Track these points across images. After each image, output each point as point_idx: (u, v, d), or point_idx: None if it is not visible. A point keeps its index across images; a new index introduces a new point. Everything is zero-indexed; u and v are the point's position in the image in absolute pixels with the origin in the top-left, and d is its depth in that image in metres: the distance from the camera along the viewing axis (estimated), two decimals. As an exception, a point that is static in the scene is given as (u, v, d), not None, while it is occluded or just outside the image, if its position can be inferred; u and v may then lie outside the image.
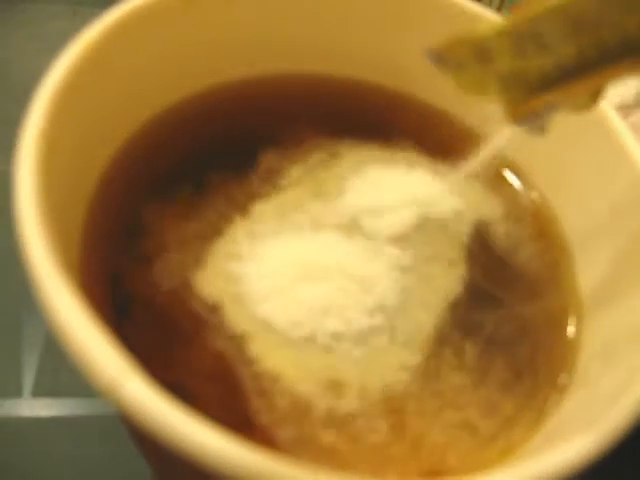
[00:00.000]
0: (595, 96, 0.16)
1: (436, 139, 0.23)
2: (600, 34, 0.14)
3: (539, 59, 0.15)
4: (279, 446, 0.16)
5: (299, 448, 0.16)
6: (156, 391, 0.12)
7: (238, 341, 0.17)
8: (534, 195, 0.22)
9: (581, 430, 0.14)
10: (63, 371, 0.26)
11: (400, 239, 0.19)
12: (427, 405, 0.17)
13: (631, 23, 0.14)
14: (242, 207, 0.20)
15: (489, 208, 0.21)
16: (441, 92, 0.22)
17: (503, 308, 0.19)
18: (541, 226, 0.21)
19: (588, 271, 0.20)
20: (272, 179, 0.21)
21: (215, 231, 0.19)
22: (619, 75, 0.15)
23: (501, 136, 0.19)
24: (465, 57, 0.16)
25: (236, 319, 0.17)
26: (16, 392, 0.25)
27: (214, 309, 0.18)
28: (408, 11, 0.22)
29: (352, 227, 0.19)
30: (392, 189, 0.20)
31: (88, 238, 0.18)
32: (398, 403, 0.17)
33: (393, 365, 0.17)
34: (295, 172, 0.21)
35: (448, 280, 0.19)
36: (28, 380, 0.26)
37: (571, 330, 0.19)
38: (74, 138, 0.17)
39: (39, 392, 0.26)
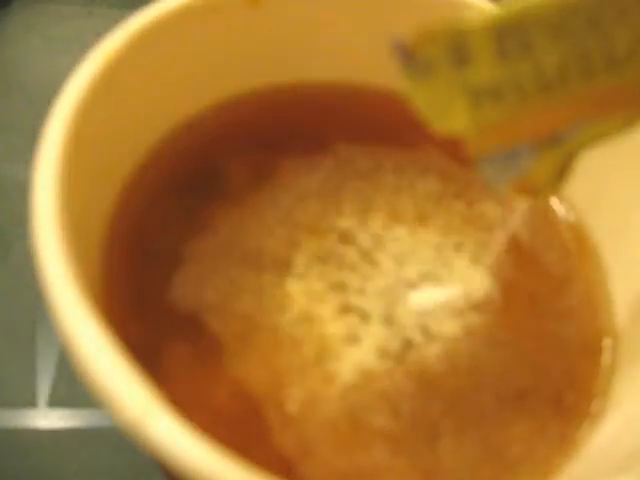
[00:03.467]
0: (560, 174, 0.14)
1: (461, 142, 0.22)
2: (585, 45, 0.13)
3: (520, 64, 0.13)
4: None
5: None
6: (184, 430, 0.12)
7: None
8: (571, 214, 0.22)
9: (616, 467, 0.14)
10: (79, 382, 0.26)
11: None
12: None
13: (620, 38, 0.13)
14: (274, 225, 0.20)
15: (522, 225, 0.21)
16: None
17: (535, 327, 0.19)
18: (577, 246, 0.21)
19: (624, 293, 0.19)
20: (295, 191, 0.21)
21: (244, 247, 0.19)
22: (593, 110, 0.14)
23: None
24: (438, 56, 0.13)
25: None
26: (31, 402, 0.25)
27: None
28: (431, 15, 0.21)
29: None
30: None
31: (109, 254, 0.17)
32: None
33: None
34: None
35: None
36: (43, 390, 0.26)
37: (605, 353, 0.19)
38: (95, 149, 0.17)
39: (55, 402, 0.25)
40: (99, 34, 0.18)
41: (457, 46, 0.13)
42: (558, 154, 0.14)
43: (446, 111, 0.14)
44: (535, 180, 0.15)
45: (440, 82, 0.14)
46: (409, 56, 0.13)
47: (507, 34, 0.13)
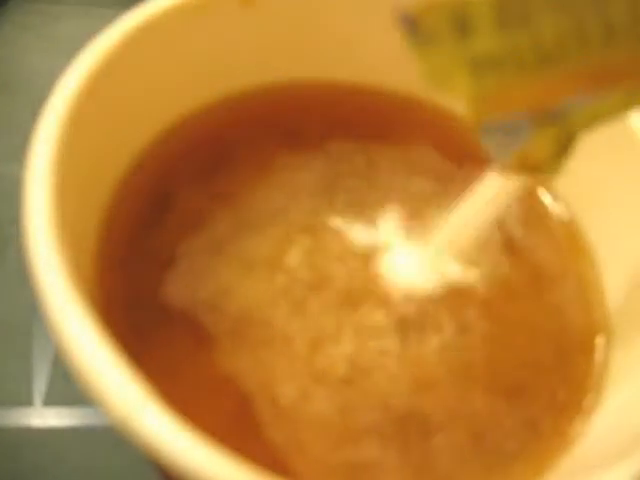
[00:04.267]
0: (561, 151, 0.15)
1: (454, 141, 0.22)
2: (583, 18, 0.13)
3: (519, 34, 0.14)
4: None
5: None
6: (176, 426, 0.12)
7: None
8: (565, 212, 0.22)
9: (609, 462, 0.14)
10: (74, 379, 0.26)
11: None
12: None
13: (617, 13, 0.13)
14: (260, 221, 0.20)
15: (516, 221, 0.21)
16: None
17: (529, 324, 0.19)
18: (571, 244, 0.21)
19: (618, 290, 0.19)
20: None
21: (237, 245, 0.19)
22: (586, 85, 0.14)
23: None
24: (441, 26, 0.14)
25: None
26: (27, 401, 0.25)
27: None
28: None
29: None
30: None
31: (103, 252, 0.18)
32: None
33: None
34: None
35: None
36: (39, 388, 0.26)
37: (598, 349, 0.19)
38: (88, 148, 0.17)
39: (51, 401, 0.25)
40: (95, 34, 0.18)
41: (459, 16, 0.14)
42: (558, 131, 0.15)
43: (448, 78, 0.14)
44: (535, 156, 0.15)
45: (443, 51, 0.14)
46: (413, 26, 0.14)
47: (507, 5, 0.14)
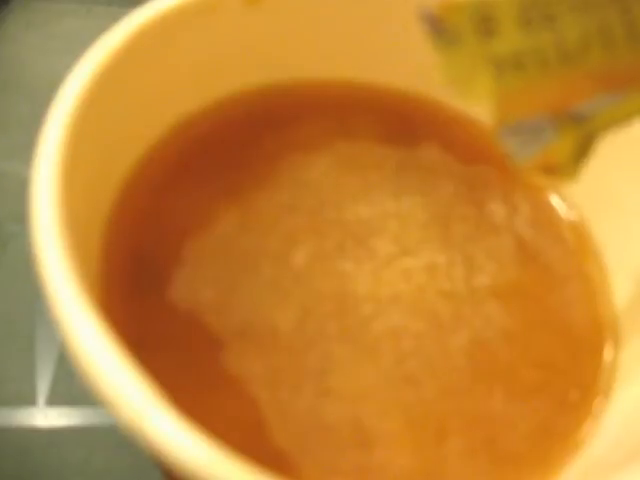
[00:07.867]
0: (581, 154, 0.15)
1: (463, 143, 0.22)
2: (607, 18, 0.13)
3: (543, 34, 0.14)
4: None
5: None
6: (184, 428, 0.12)
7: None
8: (573, 212, 0.22)
9: (620, 463, 0.14)
10: (79, 379, 0.26)
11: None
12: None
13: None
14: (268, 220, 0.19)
15: (526, 223, 0.21)
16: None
17: (540, 324, 0.19)
18: (579, 244, 0.21)
19: (626, 291, 0.19)
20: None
21: (243, 245, 0.19)
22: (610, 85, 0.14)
23: None
24: (463, 26, 0.14)
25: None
26: (30, 401, 0.25)
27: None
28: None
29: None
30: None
31: (109, 252, 0.17)
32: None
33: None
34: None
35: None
36: (43, 388, 0.26)
37: (607, 350, 0.19)
38: (94, 147, 0.17)
39: (54, 401, 0.25)
40: (98, 32, 0.18)
41: (483, 16, 0.14)
42: (579, 134, 0.15)
43: (470, 79, 0.14)
44: (556, 158, 0.15)
45: (466, 51, 0.14)
46: (437, 26, 0.14)
47: (531, 5, 0.14)
